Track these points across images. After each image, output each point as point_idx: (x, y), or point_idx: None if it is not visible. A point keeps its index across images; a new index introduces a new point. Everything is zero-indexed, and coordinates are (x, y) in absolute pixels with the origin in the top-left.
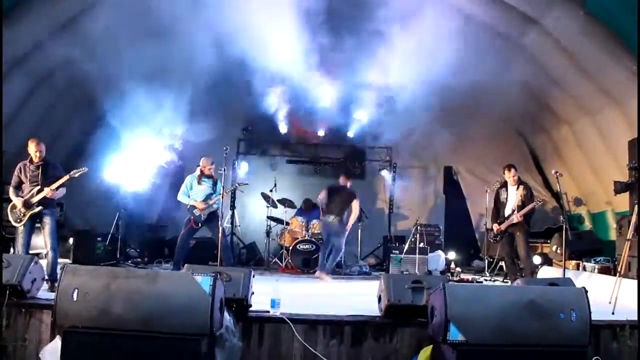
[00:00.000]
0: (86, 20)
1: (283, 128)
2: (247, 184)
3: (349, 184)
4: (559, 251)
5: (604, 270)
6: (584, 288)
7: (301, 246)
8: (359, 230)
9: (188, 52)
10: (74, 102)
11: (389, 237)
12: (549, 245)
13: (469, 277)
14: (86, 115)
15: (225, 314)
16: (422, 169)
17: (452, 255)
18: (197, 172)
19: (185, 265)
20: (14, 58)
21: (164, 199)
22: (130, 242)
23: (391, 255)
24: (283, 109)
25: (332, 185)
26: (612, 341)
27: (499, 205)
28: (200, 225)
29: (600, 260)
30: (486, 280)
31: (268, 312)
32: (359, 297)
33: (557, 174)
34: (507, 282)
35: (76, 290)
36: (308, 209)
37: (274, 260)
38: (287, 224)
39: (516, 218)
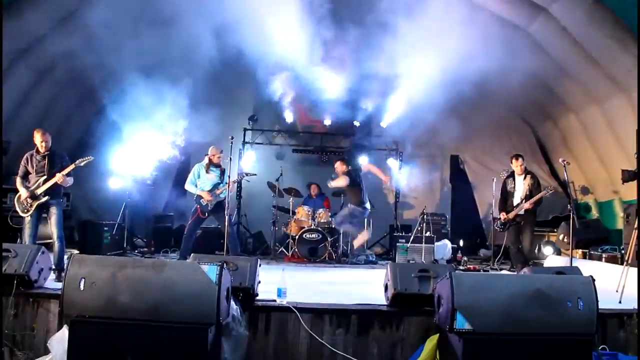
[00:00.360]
0: (88, 11)
1: (289, 117)
2: (255, 174)
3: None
4: (565, 240)
5: (611, 259)
6: (591, 277)
7: (307, 235)
8: (365, 219)
9: (192, 42)
10: (78, 93)
11: (395, 226)
12: (555, 234)
13: (476, 266)
14: (91, 106)
15: (232, 303)
16: (429, 158)
17: (458, 244)
18: (205, 160)
19: (192, 254)
20: (17, 50)
21: (170, 189)
22: (136, 231)
23: (397, 244)
24: (289, 98)
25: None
26: (619, 330)
27: (506, 194)
28: (207, 215)
29: (607, 249)
30: (492, 269)
31: (274, 301)
32: (365, 286)
33: (565, 162)
34: (513, 271)
35: (83, 280)
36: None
37: (280, 250)
38: (294, 213)
39: (528, 205)
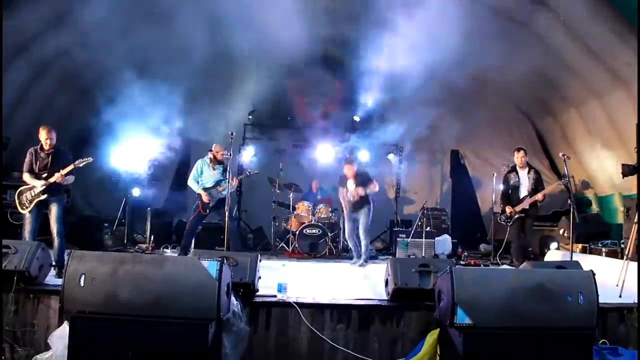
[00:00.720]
0: (86, 7)
1: (289, 112)
2: (257, 172)
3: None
4: (566, 234)
5: (611, 254)
6: (592, 271)
7: (308, 231)
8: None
9: (191, 37)
10: (77, 89)
11: (395, 221)
12: (556, 228)
13: (476, 260)
14: (90, 102)
15: (232, 298)
16: (429, 153)
17: (458, 238)
18: (209, 157)
19: (192, 250)
20: (16, 46)
21: (170, 184)
22: (136, 227)
23: (398, 239)
24: (289, 93)
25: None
26: (619, 324)
27: (509, 188)
28: (208, 211)
29: (607, 243)
30: (493, 263)
31: (275, 296)
32: (365, 281)
33: (565, 156)
34: (513, 266)
35: (83, 276)
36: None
37: (280, 245)
38: (294, 208)
39: (540, 196)
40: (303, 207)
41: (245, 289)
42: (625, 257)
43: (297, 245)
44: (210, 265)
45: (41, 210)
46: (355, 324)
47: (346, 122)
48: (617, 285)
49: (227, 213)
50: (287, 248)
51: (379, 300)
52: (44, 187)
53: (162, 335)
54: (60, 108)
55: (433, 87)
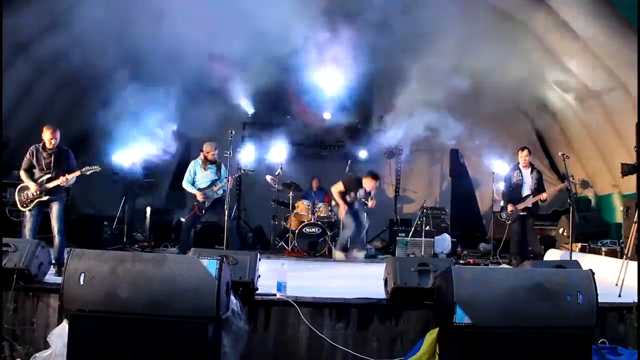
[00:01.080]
0: (86, 6)
1: (289, 111)
2: (253, 170)
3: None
4: (565, 234)
5: (610, 253)
6: (591, 270)
7: (307, 229)
8: (365, 214)
9: (190, 36)
10: (77, 88)
11: (395, 220)
12: (555, 227)
13: (475, 259)
14: (90, 101)
15: (232, 297)
16: (429, 152)
17: (458, 238)
18: (201, 157)
19: (192, 248)
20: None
21: (169, 183)
22: (136, 226)
23: (397, 238)
24: (289, 92)
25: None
26: (618, 323)
27: (512, 187)
28: (204, 212)
29: (607, 242)
30: (492, 263)
31: (274, 295)
32: (365, 280)
33: (564, 156)
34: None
35: (83, 274)
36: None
37: (280, 244)
38: (293, 207)
39: (545, 196)
40: (302, 206)
41: (245, 287)
42: (624, 257)
43: (296, 244)
44: (210, 264)
45: (41, 208)
46: (354, 323)
47: (346, 122)
48: (616, 285)
49: (226, 212)
50: (286, 247)
51: (378, 299)
52: (39, 191)
53: (162, 333)
54: (60, 107)
55: (432, 88)
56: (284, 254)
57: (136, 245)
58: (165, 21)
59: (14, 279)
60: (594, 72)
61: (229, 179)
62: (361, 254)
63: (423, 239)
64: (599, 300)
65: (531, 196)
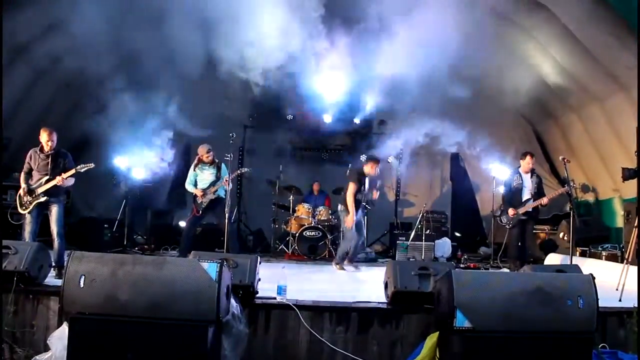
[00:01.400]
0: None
1: (289, 114)
2: (248, 169)
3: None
4: (565, 238)
5: (611, 257)
6: (592, 275)
7: (307, 233)
8: (365, 217)
9: (190, 39)
10: (78, 91)
11: (395, 224)
12: (555, 231)
13: (476, 263)
14: (91, 103)
15: (232, 300)
16: (429, 156)
17: (458, 241)
18: (195, 161)
19: (192, 251)
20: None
21: (170, 185)
22: (136, 228)
23: (397, 241)
24: (289, 95)
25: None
26: (618, 328)
27: (512, 191)
28: (201, 212)
29: (607, 247)
30: (492, 267)
31: (274, 298)
32: (365, 284)
33: (565, 160)
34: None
35: (83, 277)
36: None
37: (280, 247)
38: (294, 210)
39: (546, 200)
40: (303, 210)
41: (245, 291)
42: (625, 261)
43: (296, 247)
44: (210, 267)
45: (41, 211)
46: (354, 327)
47: (346, 125)
48: (616, 289)
49: (226, 215)
50: (286, 250)
51: (378, 303)
52: (32, 194)
53: (162, 336)
54: (60, 109)
55: (433, 94)
56: (284, 258)
57: (136, 248)
58: (165, 25)
59: (14, 282)
60: (594, 76)
61: (227, 181)
62: (352, 268)
63: (423, 242)
64: (600, 305)
65: (531, 200)
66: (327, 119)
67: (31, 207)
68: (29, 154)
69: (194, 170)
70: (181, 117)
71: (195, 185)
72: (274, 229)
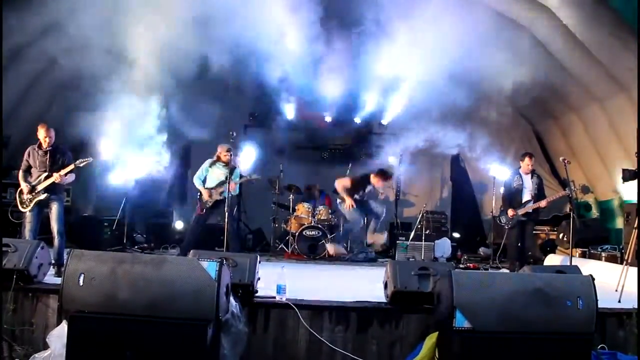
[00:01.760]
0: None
1: (290, 114)
2: (259, 177)
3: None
4: (565, 239)
5: (610, 259)
6: (591, 276)
7: (307, 232)
8: (365, 217)
9: (191, 38)
10: (79, 89)
11: (395, 224)
12: (555, 232)
13: (475, 264)
14: (91, 102)
15: (231, 299)
16: (429, 156)
17: (458, 242)
18: (214, 157)
19: (192, 250)
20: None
21: (170, 184)
22: (136, 227)
23: (397, 241)
24: (290, 94)
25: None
26: (618, 329)
27: (512, 192)
28: (205, 211)
29: (607, 248)
30: (492, 267)
31: (274, 297)
32: (364, 284)
33: (565, 161)
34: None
35: (82, 275)
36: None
37: (280, 246)
38: (294, 210)
39: (545, 203)
40: (303, 209)
41: (244, 290)
42: (624, 262)
43: (296, 246)
44: (210, 266)
45: (42, 209)
46: (354, 326)
47: (347, 124)
48: (616, 291)
49: (226, 213)
50: (286, 249)
51: (377, 302)
52: (33, 191)
53: (161, 335)
54: (60, 107)
55: (433, 89)
56: (284, 257)
57: (136, 247)
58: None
59: (13, 280)
60: (595, 77)
61: (232, 184)
62: (382, 238)
63: (423, 242)
64: (599, 306)
65: (531, 201)
66: (328, 118)
67: (31, 205)
68: (27, 151)
69: (209, 166)
70: (181, 116)
71: (204, 182)
72: (274, 228)
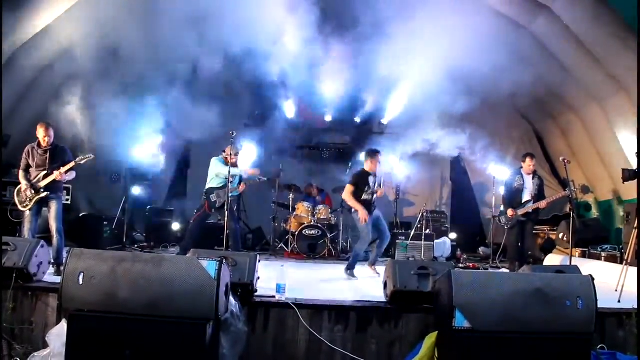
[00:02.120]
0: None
1: (290, 113)
2: (265, 178)
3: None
4: (565, 239)
5: (610, 259)
6: (591, 276)
7: (307, 232)
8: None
9: (192, 38)
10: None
11: (395, 223)
12: (555, 232)
13: (475, 264)
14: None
15: (231, 298)
16: (429, 156)
17: (458, 242)
18: (223, 156)
19: (191, 249)
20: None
21: (170, 184)
22: (136, 226)
23: (397, 241)
24: (290, 94)
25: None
26: (617, 329)
27: (512, 192)
28: (213, 211)
29: (606, 248)
30: (492, 267)
31: (273, 297)
32: (364, 283)
33: (565, 161)
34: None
35: (82, 274)
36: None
37: (280, 246)
38: (294, 209)
39: (544, 204)
40: (303, 208)
41: (244, 289)
42: (624, 262)
43: (296, 246)
44: (209, 265)
45: (41, 208)
46: (353, 326)
47: (347, 124)
48: (616, 291)
49: (227, 213)
50: (286, 249)
51: (377, 302)
52: (33, 189)
53: (160, 334)
54: (59, 106)
55: (433, 89)
56: (284, 256)
57: (136, 246)
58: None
59: (13, 278)
60: (595, 77)
61: (241, 185)
62: (372, 272)
63: (423, 242)
64: (599, 306)
65: (531, 202)
66: (328, 118)
67: (31, 204)
68: (26, 150)
69: (218, 165)
70: (181, 116)
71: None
72: (274, 227)
